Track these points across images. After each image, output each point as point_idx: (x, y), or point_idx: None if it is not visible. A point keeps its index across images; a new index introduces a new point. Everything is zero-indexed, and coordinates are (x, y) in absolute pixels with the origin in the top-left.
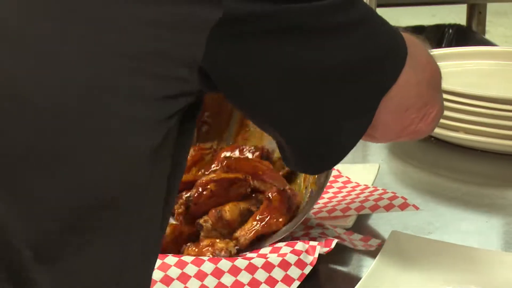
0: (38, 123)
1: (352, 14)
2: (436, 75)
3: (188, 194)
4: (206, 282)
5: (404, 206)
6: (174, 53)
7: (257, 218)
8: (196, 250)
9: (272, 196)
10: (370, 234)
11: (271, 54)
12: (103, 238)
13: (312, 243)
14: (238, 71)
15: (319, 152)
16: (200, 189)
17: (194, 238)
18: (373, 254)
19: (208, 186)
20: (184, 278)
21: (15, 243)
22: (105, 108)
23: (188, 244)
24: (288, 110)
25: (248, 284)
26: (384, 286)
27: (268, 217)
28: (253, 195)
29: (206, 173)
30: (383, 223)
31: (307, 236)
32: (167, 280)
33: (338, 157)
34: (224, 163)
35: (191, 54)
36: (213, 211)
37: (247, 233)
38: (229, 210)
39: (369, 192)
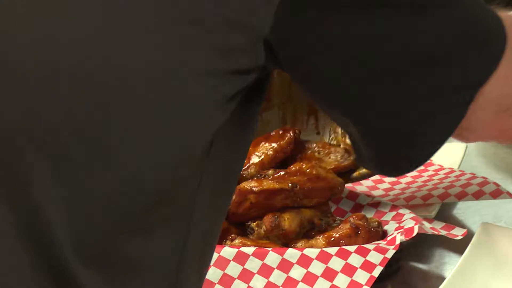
0: (92, 100)
1: None
2: None
3: None
4: (273, 278)
5: (496, 194)
6: (241, 21)
7: (330, 240)
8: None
9: (360, 232)
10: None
11: (348, 28)
12: (158, 236)
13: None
14: (309, 44)
15: (400, 149)
16: (239, 199)
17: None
18: (458, 250)
19: (248, 198)
20: (246, 276)
21: (62, 247)
22: (166, 84)
23: (238, 237)
24: (366, 94)
25: (322, 275)
26: (473, 286)
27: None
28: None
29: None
30: (471, 214)
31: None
32: (226, 281)
33: (423, 156)
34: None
35: (258, 23)
36: (270, 216)
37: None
38: (288, 219)
39: (455, 176)
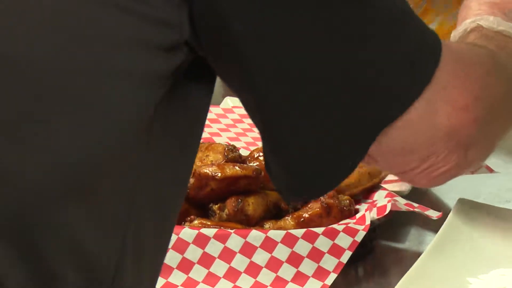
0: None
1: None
2: (468, 128)
3: None
4: (235, 263)
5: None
6: None
7: (300, 221)
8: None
9: (331, 212)
10: (432, 204)
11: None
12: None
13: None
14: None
15: (310, 164)
16: (199, 184)
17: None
18: (437, 227)
19: (208, 183)
20: (206, 260)
21: None
22: (91, 60)
23: (198, 218)
24: (279, 82)
25: (287, 261)
26: (447, 264)
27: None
28: None
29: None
30: (448, 189)
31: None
32: (185, 266)
33: (323, 187)
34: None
35: None
36: (234, 199)
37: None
38: (253, 203)
39: None
